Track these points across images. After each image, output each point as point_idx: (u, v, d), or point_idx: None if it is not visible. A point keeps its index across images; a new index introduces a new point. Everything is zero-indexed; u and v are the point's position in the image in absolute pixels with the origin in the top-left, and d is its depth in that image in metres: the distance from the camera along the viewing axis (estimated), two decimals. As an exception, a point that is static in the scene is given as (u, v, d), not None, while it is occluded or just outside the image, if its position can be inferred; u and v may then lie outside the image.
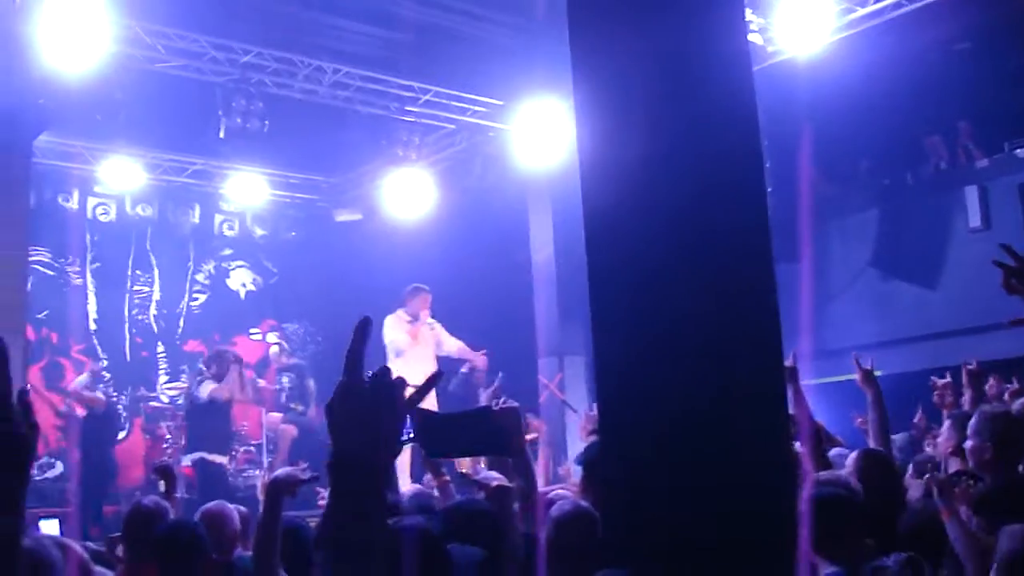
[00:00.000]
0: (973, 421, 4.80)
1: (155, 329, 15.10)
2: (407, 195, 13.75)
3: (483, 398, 5.77)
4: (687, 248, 3.11)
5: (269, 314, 16.28)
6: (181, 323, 15.42)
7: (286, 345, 15.72)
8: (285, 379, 14.82)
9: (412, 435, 4.49)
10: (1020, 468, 4.49)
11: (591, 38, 3.46)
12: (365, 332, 1.71)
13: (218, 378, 11.08)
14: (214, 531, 4.77)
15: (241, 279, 16.19)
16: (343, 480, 1.67)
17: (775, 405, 3.21)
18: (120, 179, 13.94)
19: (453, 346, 11.20)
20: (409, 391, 1.75)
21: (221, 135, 11.69)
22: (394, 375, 1.76)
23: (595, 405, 9.03)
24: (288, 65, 11.86)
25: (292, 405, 13.94)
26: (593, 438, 6.09)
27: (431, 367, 10.87)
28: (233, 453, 12.42)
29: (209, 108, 11.71)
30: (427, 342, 11.02)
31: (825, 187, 14.57)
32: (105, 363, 14.36)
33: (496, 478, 4.45)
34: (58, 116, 11.20)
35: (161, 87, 11.45)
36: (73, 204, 14.18)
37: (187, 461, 11.02)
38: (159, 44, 11.01)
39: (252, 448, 13.28)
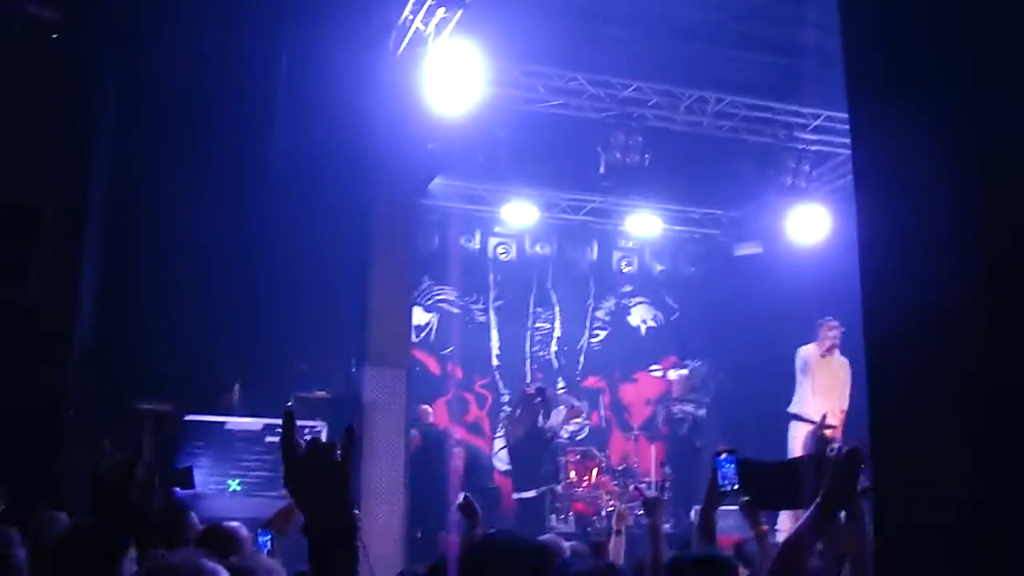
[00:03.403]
0: None
1: (555, 365, 15.35)
2: (804, 225, 13.09)
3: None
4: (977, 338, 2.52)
5: (670, 351, 16.04)
6: (581, 359, 15.57)
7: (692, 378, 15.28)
8: (690, 406, 14.47)
9: (738, 486, 4.07)
10: None
11: (873, 105, 2.93)
12: (290, 422, 1.97)
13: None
14: None
15: (641, 315, 16.11)
16: (320, 545, 1.92)
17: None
18: (519, 218, 14.38)
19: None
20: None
21: (601, 171, 11.69)
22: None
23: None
24: (669, 97, 11.65)
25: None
26: None
27: (837, 400, 10.29)
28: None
29: (589, 144, 11.74)
30: (835, 373, 10.58)
31: None
32: (506, 398, 14.77)
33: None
34: (447, 160, 11.66)
35: (541, 126, 11.59)
36: (475, 244, 14.80)
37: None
38: (539, 84, 11.19)
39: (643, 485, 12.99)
